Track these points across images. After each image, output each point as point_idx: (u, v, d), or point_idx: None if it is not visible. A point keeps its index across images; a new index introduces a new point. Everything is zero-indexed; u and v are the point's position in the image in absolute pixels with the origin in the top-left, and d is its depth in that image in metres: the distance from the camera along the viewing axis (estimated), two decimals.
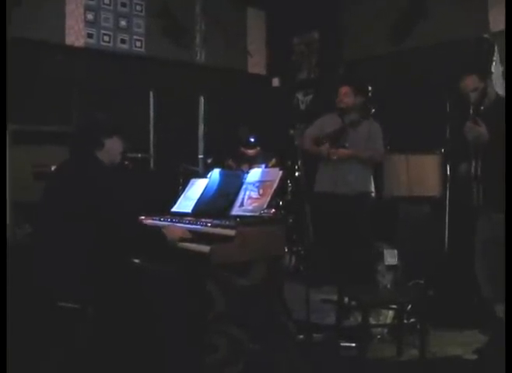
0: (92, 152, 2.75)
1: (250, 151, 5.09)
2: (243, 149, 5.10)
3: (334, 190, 4.52)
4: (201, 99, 5.92)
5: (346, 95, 4.54)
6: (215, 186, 3.50)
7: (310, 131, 4.73)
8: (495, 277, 3.27)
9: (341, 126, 4.55)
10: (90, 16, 5.29)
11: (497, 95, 3.37)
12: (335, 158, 4.47)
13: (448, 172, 4.18)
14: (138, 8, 5.61)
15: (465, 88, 3.37)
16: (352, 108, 4.54)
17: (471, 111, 3.22)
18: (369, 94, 4.57)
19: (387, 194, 4.57)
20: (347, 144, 4.48)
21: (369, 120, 4.54)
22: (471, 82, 3.35)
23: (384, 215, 4.55)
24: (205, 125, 5.94)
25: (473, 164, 3.26)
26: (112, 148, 2.80)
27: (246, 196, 3.29)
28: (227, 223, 3.02)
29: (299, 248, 4.87)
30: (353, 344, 3.40)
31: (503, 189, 2.81)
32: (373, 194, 4.58)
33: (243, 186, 3.37)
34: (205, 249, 2.79)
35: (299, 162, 4.47)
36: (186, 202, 3.65)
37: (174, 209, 3.71)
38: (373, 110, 4.55)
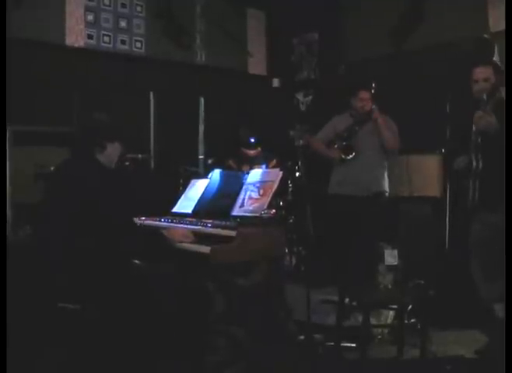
0: (93, 154, 2.76)
1: (251, 152, 5.08)
2: (243, 150, 5.09)
3: (347, 192, 4.52)
4: (202, 100, 5.92)
5: (368, 101, 4.55)
6: (215, 187, 3.50)
7: (322, 134, 4.76)
8: (491, 276, 3.27)
9: (351, 124, 4.57)
10: (90, 17, 5.29)
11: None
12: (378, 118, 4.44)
13: (449, 173, 4.18)
14: (138, 8, 5.61)
15: (476, 76, 3.35)
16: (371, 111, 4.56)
17: (484, 99, 3.20)
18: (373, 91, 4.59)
19: (389, 194, 4.58)
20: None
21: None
22: (483, 72, 3.33)
23: (384, 215, 4.54)
24: (205, 126, 5.93)
25: (473, 157, 3.26)
26: (112, 152, 2.83)
27: (246, 197, 3.29)
28: (228, 223, 3.03)
29: (300, 248, 4.87)
30: (354, 344, 3.39)
31: (501, 188, 2.82)
32: (387, 194, 4.57)
33: (244, 187, 3.37)
34: (206, 249, 2.79)
35: (299, 163, 4.48)
36: (186, 202, 3.66)
37: (175, 209, 3.72)
38: (373, 106, 4.56)
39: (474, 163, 3.25)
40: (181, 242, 2.90)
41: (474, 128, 3.25)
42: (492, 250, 3.19)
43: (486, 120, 3.15)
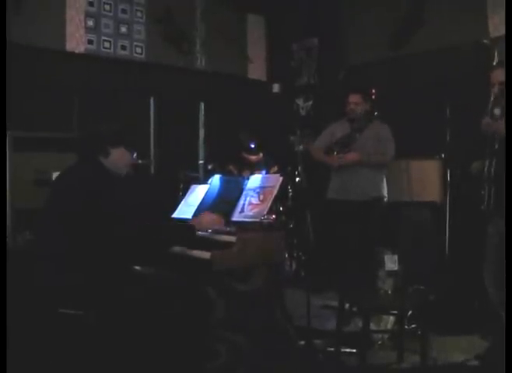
0: (97, 158, 2.76)
1: (253, 157, 5.09)
2: (245, 155, 5.09)
3: (346, 197, 4.50)
4: (202, 105, 5.93)
5: (357, 104, 4.54)
6: (215, 192, 3.50)
7: (320, 141, 4.74)
8: (502, 282, 3.25)
9: (348, 132, 4.55)
10: (91, 23, 5.30)
11: None
12: (343, 164, 4.46)
13: (449, 177, 4.18)
14: (139, 14, 5.62)
15: (493, 80, 3.29)
16: (362, 115, 4.54)
17: (490, 106, 3.17)
18: (373, 97, 4.57)
19: (388, 199, 4.58)
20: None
21: (372, 122, 4.55)
22: (499, 74, 3.28)
23: (384, 220, 4.54)
24: (205, 131, 5.94)
25: (487, 164, 3.22)
26: (118, 158, 2.81)
27: (246, 202, 3.29)
28: (228, 229, 3.03)
29: (300, 253, 4.87)
30: (354, 350, 3.39)
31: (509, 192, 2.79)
32: (385, 199, 4.55)
33: (244, 192, 3.37)
34: (206, 255, 2.79)
35: (299, 168, 4.49)
36: (187, 208, 3.65)
37: (175, 215, 3.71)
38: (376, 113, 4.55)
39: (490, 168, 3.20)
40: (210, 228, 2.91)
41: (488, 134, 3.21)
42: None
43: (494, 126, 3.12)
